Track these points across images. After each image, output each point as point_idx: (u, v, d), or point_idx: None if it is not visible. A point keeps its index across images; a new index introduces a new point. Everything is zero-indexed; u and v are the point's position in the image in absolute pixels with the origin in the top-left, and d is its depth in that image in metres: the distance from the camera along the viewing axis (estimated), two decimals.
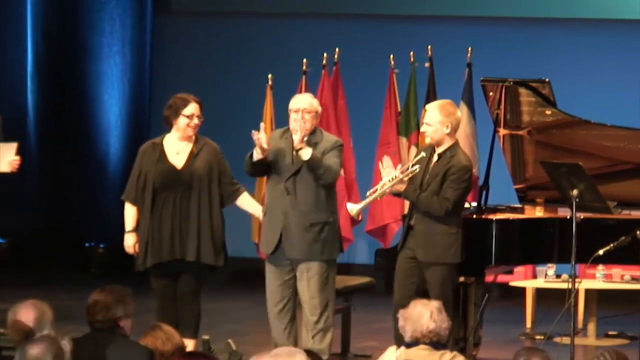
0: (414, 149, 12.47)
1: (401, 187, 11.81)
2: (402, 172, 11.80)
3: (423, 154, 12.10)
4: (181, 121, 12.13)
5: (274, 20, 16.08)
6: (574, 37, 15.66)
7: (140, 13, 17.11)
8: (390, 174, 11.85)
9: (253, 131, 12.00)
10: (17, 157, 13.34)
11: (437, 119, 12.17)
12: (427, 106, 12.72)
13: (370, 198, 12.09)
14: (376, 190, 12.04)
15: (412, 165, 11.84)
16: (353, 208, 12.23)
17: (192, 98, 12.28)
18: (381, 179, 12.21)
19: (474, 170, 13.02)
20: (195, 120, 12.11)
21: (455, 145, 12.32)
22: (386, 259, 12.53)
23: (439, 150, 12.13)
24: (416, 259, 12.06)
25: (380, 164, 12.31)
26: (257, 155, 11.94)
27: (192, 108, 12.11)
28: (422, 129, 12.41)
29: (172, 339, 9.17)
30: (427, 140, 12.21)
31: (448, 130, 12.24)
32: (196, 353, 8.91)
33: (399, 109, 13.79)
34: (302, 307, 12.16)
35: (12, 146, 13.14)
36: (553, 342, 12.61)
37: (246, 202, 12.55)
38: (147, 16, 17.11)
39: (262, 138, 11.85)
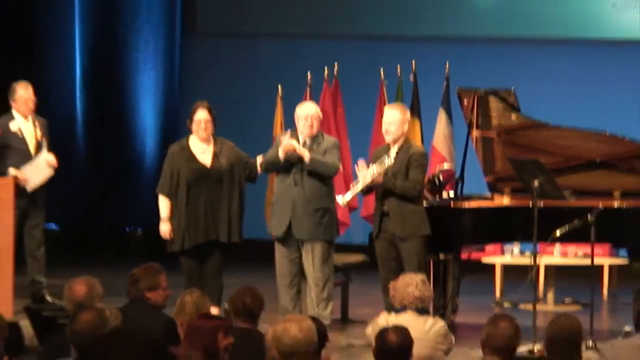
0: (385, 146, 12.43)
1: (380, 179, 11.83)
2: (379, 167, 11.83)
3: (385, 155, 12.16)
4: (194, 125, 12.30)
5: (283, 40, 16.12)
6: (537, 53, 15.63)
7: (171, 35, 17.10)
8: (366, 172, 11.97)
9: (283, 136, 12.45)
10: (52, 157, 13.33)
11: (399, 119, 12.29)
12: (388, 108, 12.81)
13: (354, 191, 12.20)
14: (358, 183, 12.12)
15: (385, 160, 11.89)
16: (340, 199, 12.32)
17: (201, 105, 12.44)
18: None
19: (450, 166, 12.97)
20: (203, 125, 12.18)
21: (407, 139, 12.53)
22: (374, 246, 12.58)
23: (396, 145, 12.20)
24: (392, 241, 12.13)
25: (356, 165, 12.42)
26: (282, 155, 12.04)
27: (201, 114, 12.24)
28: (386, 128, 12.27)
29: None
30: (390, 138, 12.23)
31: (406, 128, 12.44)
32: (212, 316, 8.87)
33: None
34: (307, 281, 12.21)
35: (43, 156, 13.15)
36: (518, 309, 12.71)
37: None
38: (176, 37, 17.12)
39: (294, 144, 12.09)
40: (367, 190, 12.34)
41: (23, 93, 13.15)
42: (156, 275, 9.45)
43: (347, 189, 13.35)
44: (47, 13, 17.10)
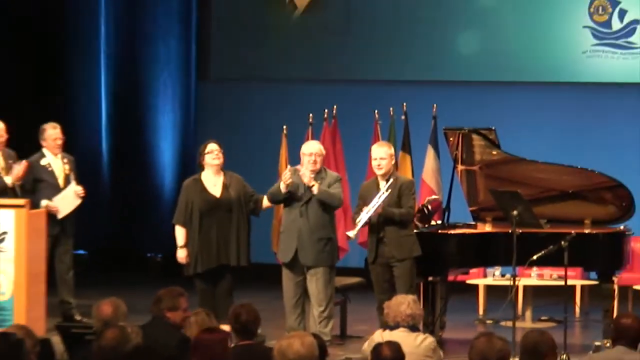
0: (371, 182, 12.58)
1: (379, 210, 12.00)
2: (379, 200, 11.99)
3: (382, 189, 12.31)
4: (206, 158, 12.37)
5: (287, 84, 16.13)
6: (516, 95, 15.67)
7: (187, 81, 17.12)
8: (371, 205, 12.09)
9: (289, 168, 12.58)
10: (80, 188, 13.46)
11: (388, 154, 12.41)
12: (377, 146, 12.83)
13: (360, 224, 12.26)
14: (359, 219, 12.28)
15: (384, 193, 12.01)
16: (351, 233, 12.49)
17: (211, 141, 12.57)
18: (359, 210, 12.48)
19: (438, 197, 13.07)
20: (215, 154, 12.33)
21: (395, 171, 12.70)
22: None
23: (385, 178, 12.32)
24: (387, 264, 12.27)
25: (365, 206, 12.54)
26: (283, 188, 12.15)
27: (211, 147, 12.37)
28: (378, 163, 12.35)
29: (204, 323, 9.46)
30: (382, 172, 12.31)
31: (393, 162, 12.64)
32: (215, 329, 9.01)
33: None
34: (311, 301, 12.30)
35: (71, 187, 13.29)
36: (500, 325, 12.76)
37: (265, 202, 12.75)
38: (192, 83, 17.14)
39: (297, 177, 12.24)
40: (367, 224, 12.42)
41: (52, 132, 13.26)
42: (177, 298, 9.54)
43: (345, 218, 13.60)
44: (77, 61, 17.12)
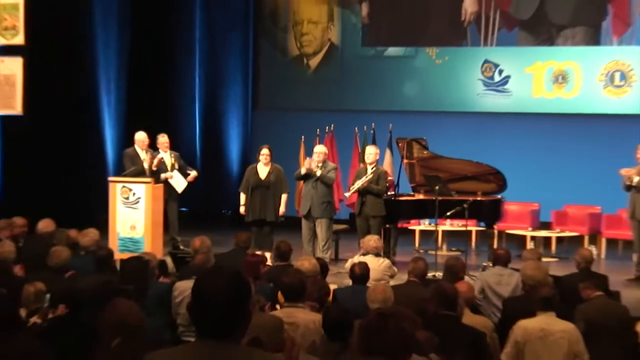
0: (362, 167, 12.55)
1: (365, 184, 12.07)
2: (366, 179, 12.05)
3: (367, 171, 12.36)
4: (260, 157, 12.53)
5: (304, 111, 16.07)
6: (436, 120, 15.61)
7: (245, 108, 17.03)
8: (359, 180, 12.20)
9: (307, 159, 12.68)
10: (195, 173, 13.61)
11: (375, 152, 12.53)
12: (369, 147, 13.04)
13: (352, 190, 12.41)
14: (352, 188, 12.37)
15: (369, 175, 12.05)
16: (347, 194, 12.90)
17: (264, 146, 12.68)
18: (353, 183, 12.51)
19: (392, 178, 13.04)
20: (264, 158, 12.49)
21: (376, 163, 12.61)
22: (354, 218, 12.64)
23: (372, 166, 12.39)
24: (366, 218, 12.29)
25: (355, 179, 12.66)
26: (303, 171, 12.33)
27: (263, 151, 12.48)
28: (368, 156, 12.56)
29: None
30: (370, 160, 12.45)
31: (377, 157, 12.64)
32: (255, 255, 9.26)
33: (359, 151, 13.83)
34: (317, 238, 12.36)
35: (177, 172, 13.37)
36: (427, 254, 12.63)
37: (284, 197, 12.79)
38: (249, 110, 17.06)
39: (311, 165, 12.29)
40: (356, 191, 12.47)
41: (162, 140, 13.30)
42: (246, 234, 10.18)
43: (338, 190, 13.74)
44: (178, 95, 17.06)
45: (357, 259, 9.39)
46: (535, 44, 15.68)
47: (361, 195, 12.50)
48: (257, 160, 12.78)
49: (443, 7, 16.17)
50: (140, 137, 13.18)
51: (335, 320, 5.82)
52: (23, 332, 5.81)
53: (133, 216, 12.42)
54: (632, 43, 15.17)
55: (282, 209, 12.70)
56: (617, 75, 15.22)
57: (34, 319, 6.65)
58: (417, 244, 14.26)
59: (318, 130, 14.35)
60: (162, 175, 13.06)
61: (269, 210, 12.62)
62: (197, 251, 9.42)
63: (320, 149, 12.79)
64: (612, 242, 13.94)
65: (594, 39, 15.45)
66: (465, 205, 12.13)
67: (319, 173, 12.40)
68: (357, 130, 14.44)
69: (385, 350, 3.83)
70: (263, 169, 12.63)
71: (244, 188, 12.79)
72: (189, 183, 13.51)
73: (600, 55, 15.37)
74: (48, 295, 6.98)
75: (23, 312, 6.79)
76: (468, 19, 15.87)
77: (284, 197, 12.68)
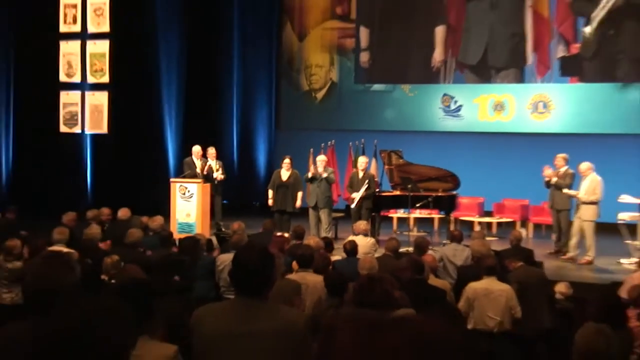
0: (355, 171, 12.38)
1: (364, 194, 12.09)
2: (364, 190, 12.02)
3: (359, 175, 12.26)
4: (283, 164, 12.45)
5: (313, 130, 15.88)
6: (407, 137, 15.47)
7: (270, 128, 16.89)
8: (362, 189, 12.15)
9: (312, 166, 12.59)
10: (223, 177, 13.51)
11: (365, 161, 12.45)
12: (361, 157, 12.83)
13: (357, 198, 12.22)
14: (357, 196, 12.20)
15: (365, 186, 12.04)
16: (353, 205, 12.41)
17: (286, 157, 12.67)
18: (349, 184, 12.63)
19: (377, 180, 12.92)
20: (286, 166, 12.45)
21: (366, 169, 12.48)
22: (349, 209, 12.52)
23: (362, 171, 12.30)
24: (359, 209, 12.16)
25: (350, 180, 12.51)
26: (310, 175, 12.29)
27: (285, 161, 12.40)
28: (360, 164, 12.43)
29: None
30: (362, 167, 12.35)
31: (367, 164, 12.57)
32: (280, 236, 9.33)
33: (352, 160, 13.70)
34: (322, 223, 12.27)
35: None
36: (403, 234, 12.50)
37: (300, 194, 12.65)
38: (273, 129, 16.92)
39: (317, 170, 12.32)
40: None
41: (211, 151, 13.23)
42: (271, 220, 10.00)
43: (336, 188, 13.56)
44: (221, 118, 16.95)
45: (352, 238, 9.38)
46: (480, 82, 15.65)
47: (359, 195, 12.31)
48: (281, 167, 12.78)
49: (419, 57, 16.06)
50: (196, 149, 13.16)
51: (334, 281, 5.96)
52: (104, 291, 5.82)
53: (188, 207, 12.40)
54: (551, 81, 15.19)
55: (298, 203, 12.61)
56: (540, 105, 15.22)
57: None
58: (394, 227, 14.08)
59: (322, 144, 14.24)
60: (215, 175, 13.09)
61: (289, 203, 12.51)
62: (234, 232, 9.40)
63: (321, 158, 12.72)
64: (537, 226, 13.92)
65: (523, 78, 15.44)
66: (430, 199, 12.08)
67: (324, 175, 12.40)
68: (351, 145, 14.34)
69: (373, 304, 3.85)
70: (285, 173, 12.58)
71: (271, 186, 12.72)
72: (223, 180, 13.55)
73: (528, 90, 15.35)
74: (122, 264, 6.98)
75: (104, 277, 6.82)
76: (436, 65, 15.84)
77: (299, 194, 12.60)
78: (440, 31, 15.84)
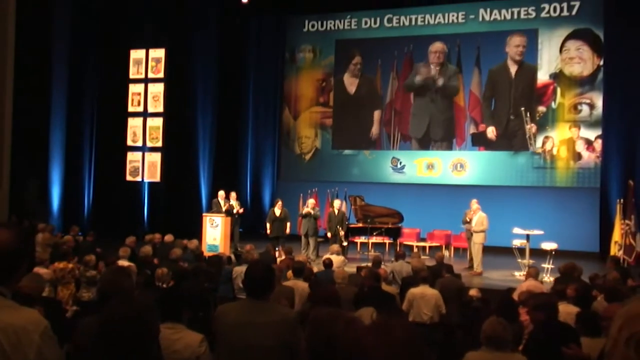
0: (332, 210, 12.19)
1: (343, 229, 11.75)
2: (341, 228, 11.72)
3: (335, 213, 12.03)
4: (276, 205, 12.37)
5: (302, 182, 15.60)
6: (381, 188, 15.34)
7: (273, 179, 16.51)
8: (340, 226, 12.10)
9: (305, 207, 12.41)
10: (241, 210, 13.29)
11: (340, 203, 12.27)
12: (336, 201, 12.60)
13: (343, 231, 11.99)
14: (342, 231, 12.15)
15: (339, 221, 11.77)
16: (342, 233, 12.04)
17: (279, 199, 12.65)
18: (328, 221, 12.35)
19: (346, 215, 12.77)
20: (278, 205, 12.34)
21: (340, 209, 12.32)
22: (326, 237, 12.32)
23: (337, 210, 12.17)
24: (335, 234, 11.98)
25: (329, 217, 12.32)
26: (302, 214, 12.29)
27: (278, 204, 12.37)
28: (336, 205, 12.30)
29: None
30: (337, 207, 12.15)
31: (340, 206, 12.32)
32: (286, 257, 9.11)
33: (330, 202, 13.43)
34: (310, 246, 12.14)
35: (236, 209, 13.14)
36: (364, 254, 12.36)
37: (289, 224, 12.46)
38: (275, 180, 16.47)
39: (309, 210, 12.17)
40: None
41: (233, 194, 13.18)
42: (271, 243, 9.60)
43: (322, 221, 13.18)
44: (239, 172, 16.87)
45: (328, 256, 9.30)
46: (420, 148, 15.69)
47: (334, 227, 12.19)
48: (274, 206, 12.68)
49: (374, 132, 16.07)
50: (221, 193, 13.06)
51: (315, 285, 5.86)
52: (156, 292, 5.73)
53: (214, 233, 12.28)
54: (466, 149, 15.30)
55: (287, 230, 12.50)
56: (459, 165, 15.30)
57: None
58: (358, 249, 13.89)
59: (309, 191, 14.26)
60: (235, 211, 12.92)
61: (281, 231, 12.39)
62: (247, 252, 9.31)
63: (311, 202, 12.68)
64: (457, 249, 13.88)
65: (450, 146, 15.48)
66: (383, 230, 12.06)
67: (312, 213, 12.29)
68: (329, 192, 14.31)
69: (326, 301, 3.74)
70: (277, 211, 12.48)
71: (268, 220, 12.60)
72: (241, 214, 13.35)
73: (451, 155, 15.43)
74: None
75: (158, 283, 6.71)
76: (373, 136, 15.96)
77: (288, 224, 12.52)
78: (377, 114, 15.99)
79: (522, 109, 14.78)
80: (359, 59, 16.36)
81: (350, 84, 16.43)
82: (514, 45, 14.93)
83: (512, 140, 14.89)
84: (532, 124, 14.69)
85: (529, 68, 14.80)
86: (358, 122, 16.17)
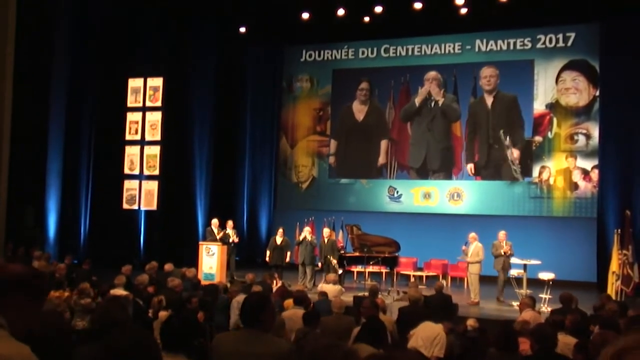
0: (322, 240, 12.14)
1: (335, 257, 11.66)
2: (334, 258, 11.67)
3: (327, 243, 12.02)
4: (278, 232, 12.30)
5: (299, 210, 15.52)
6: (376, 216, 15.27)
7: (270, 208, 16.41)
8: (332, 255, 12.02)
9: (301, 235, 12.43)
10: (237, 240, 13.23)
11: (329, 232, 12.45)
12: (326, 229, 12.62)
13: (335, 260, 12.01)
14: (334, 260, 11.98)
15: (333, 249, 11.73)
16: (334, 261, 11.95)
17: (280, 227, 12.54)
18: (320, 250, 12.23)
19: (341, 243, 12.78)
20: (279, 233, 12.33)
21: (330, 237, 12.33)
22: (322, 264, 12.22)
23: (327, 239, 12.19)
24: (328, 265, 11.90)
25: (321, 246, 12.36)
26: (298, 242, 12.32)
27: (279, 231, 12.42)
28: (327, 234, 12.36)
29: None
30: (327, 236, 12.19)
31: (333, 236, 12.48)
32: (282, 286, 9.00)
33: (326, 230, 13.39)
34: (307, 275, 12.08)
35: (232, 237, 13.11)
36: (361, 283, 12.28)
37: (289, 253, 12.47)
38: (272, 209, 16.24)
39: (306, 237, 12.20)
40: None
41: (229, 223, 13.13)
42: (270, 272, 9.52)
43: (317, 250, 12.96)
44: (236, 201, 16.79)
45: (323, 286, 9.27)
46: (418, 178, 15.73)
47: (323, 256, 12.16)
48: (276, 234, 12.69)
49: (373, 160, 16.11)
50: (214, 221, 13.09)
51: (311, 315, 5.89)
52: (148, 324, 5.68)
53: (211, 262, 12.24)
54: (462, 179, 15.36)
55: (287, 259, 12.52)
56: (456, 194, 15.34)
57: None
58: (355, 278, 13.87)
59: (305, 220, 14.26)
60: (231, 240, 12.86)
61: (281, 259, 12.40)
62: (251, 281, 9.25)
63: (308, 229, 12.70)
64: (454, 279, 13.86)
65: (448, 176, 15.52)
66: (379, 259, 12.03)
67: (308, 238, 12.27)
68: (325, 220, 14.20)
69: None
70: (279, 239, 12.50)
71: (269, 248, 12.61)
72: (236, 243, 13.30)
73: (448, 184, 15.47)
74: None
75: (150, 313, 6.66)
76: (380, 165, 15.96)
77: (288, 253, 12.52)
78: (384, 143, 16.02)
79: (502, 131, 14.92)
80: (366, 85, 16.41)
81: (359, 111, 16.45)
82: (484, 77, 15.21)
83: (500, 169, 14.99)
84: (514, 149, 14.81)
85: (504, 97, 15.04)
86: (364, 150, 16.16)
